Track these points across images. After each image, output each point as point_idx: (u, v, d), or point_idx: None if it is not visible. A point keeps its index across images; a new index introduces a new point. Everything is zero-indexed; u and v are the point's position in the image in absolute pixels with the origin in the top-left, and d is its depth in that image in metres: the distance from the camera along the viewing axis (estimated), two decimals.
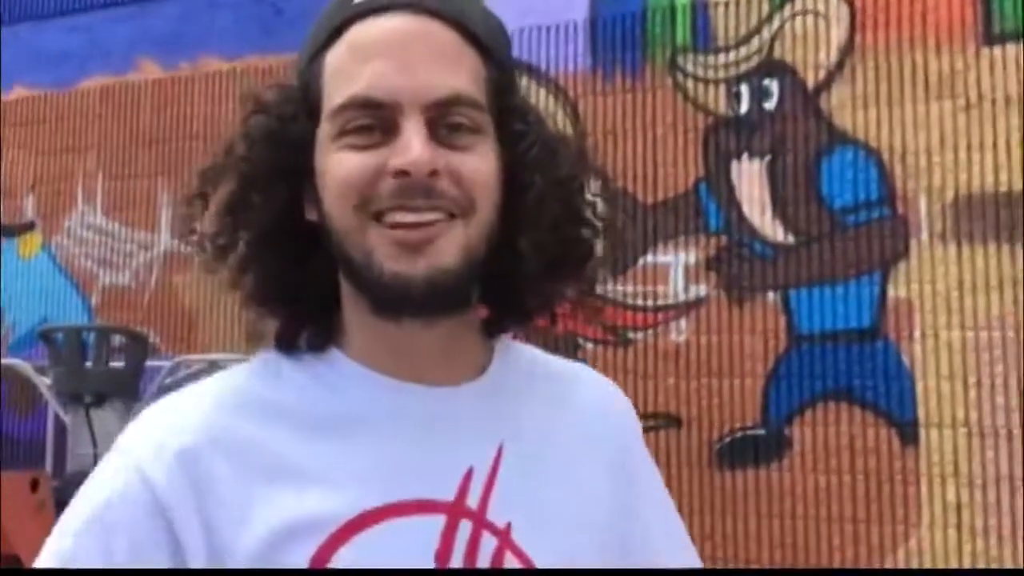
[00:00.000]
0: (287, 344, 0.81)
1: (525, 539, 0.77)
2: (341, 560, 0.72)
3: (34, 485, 3.38)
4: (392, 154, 0.75)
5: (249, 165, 0.79)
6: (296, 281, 0.80)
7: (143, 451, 0.75)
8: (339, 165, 0.76)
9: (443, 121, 0.76)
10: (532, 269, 0.80)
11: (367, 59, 0.76)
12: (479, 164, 0.77)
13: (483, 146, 0.78)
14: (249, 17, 4.79)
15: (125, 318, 4.75)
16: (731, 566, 3.63)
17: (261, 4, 4.79)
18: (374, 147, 0.76)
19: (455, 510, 0.76)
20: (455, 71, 0.77)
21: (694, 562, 0.91)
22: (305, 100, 0.79)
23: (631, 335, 3.91)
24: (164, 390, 3.84)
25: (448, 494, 0.76)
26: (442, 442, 0.78)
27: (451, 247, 0.75)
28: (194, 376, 3.76)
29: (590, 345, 3.93)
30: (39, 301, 5.11)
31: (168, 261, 4.86)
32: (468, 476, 0.77)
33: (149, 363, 4.07)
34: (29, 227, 5.26)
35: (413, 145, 0.74)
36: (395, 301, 0.76)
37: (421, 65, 0.76)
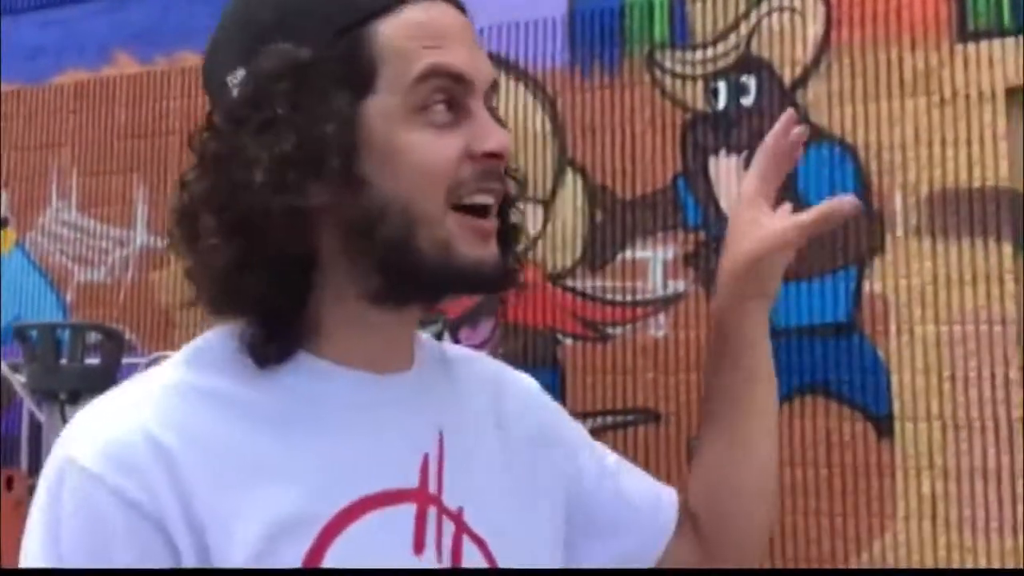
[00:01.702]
0: (262, 359, 0.74)
1: (476, 522, 0.78)
2: (333, 559, 0.70)
3: (9, 483, 3.35)
4: (475, 136, 0.74)
5: (301, 129, 0.71)
6: (278, 277, 0.74)
7: (112, 466, 0.67)
8: (429, 146, 0.73)
9: (487, 107, 0.77)
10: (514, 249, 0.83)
11: (442, 38, 0.75)
12: None
13: None
14: None
15: (100, 315, 4.71)
16: None
17: None
18: (450, 127, 0.74)
19: (421, 497, 0.76)
20: (489, 62, 0.79)
21: (642, 474, 0.96)
22: (351, 68, 0.73)
23: (610, 330, 3.92)
24: None
25: (412, 481, 0.76)
26: (400, 429, 0.77)
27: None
28: None
29: (569, 340, 3.94)
30: (13, 298, 5.06)
31: (144, 258, 4.83)
32: (425, 462, 0.77)
33: (125, 360, 4.04)
34: (2, 224, 5.20)
35: (497, 128, 0.75)
36: (470, 284, 0.77)
37: (480, 53, 0.77)
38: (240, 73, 0.74)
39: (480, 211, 0.75)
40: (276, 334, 0.75)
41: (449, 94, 0.74)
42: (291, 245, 0.73)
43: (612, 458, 0.96)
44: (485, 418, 0.86)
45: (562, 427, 0.94)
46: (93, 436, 0.69)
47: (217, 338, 0.77)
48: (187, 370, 0.75)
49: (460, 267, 0.74)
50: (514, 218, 0.83)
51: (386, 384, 0.79)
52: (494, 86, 0.78)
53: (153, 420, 0.70)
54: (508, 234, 0.81)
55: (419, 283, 0.75)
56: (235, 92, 0.74)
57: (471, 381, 0.88)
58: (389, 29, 0.74)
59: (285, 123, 0.71)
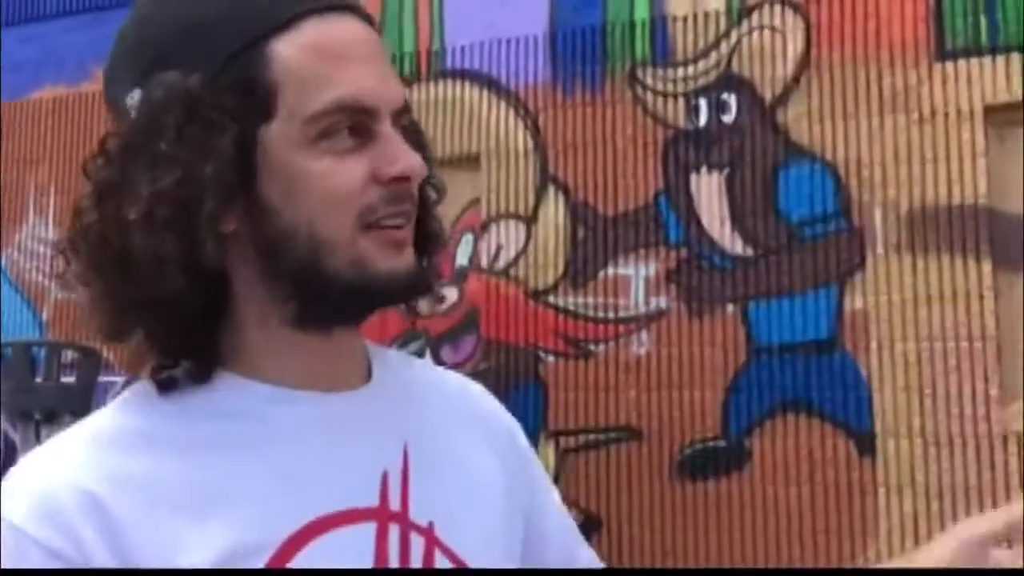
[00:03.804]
0: (166, 382, 0.75)
1: (448, 535, 0.77)
2: None
3: None
4: (383, 160, 0.73)
5: (185, 165, 0.70)
6: (184, 301, 0.72)
7: (39, 521, 0.67)
8: (331, 174, 0.72)
9: (397, 127, 0.76)
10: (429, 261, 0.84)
11: (344, 62, 0.73)
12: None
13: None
14: None
15: (77, 333, 4.66)
16: None
17: None
18: (354, 152, 0.73)
19: (382, 515, 0.75)
20: (397, 78, 0.78)
21: (578, 534, 0.95)
22: (246, 93, 0.71)
23: (592, 347, 3.90)
24: None
25: (371, 500, 0.75)
26: (354, 447, 0.76)
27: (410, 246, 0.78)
28: None
29: (551, 358, 3.93)
30: None
31: None
32: (385, 479, 0.76)
33: (102, 379, 3.99)
34: None
35: (406, 150, 0.74)
36: (384, 296, 0.76)
37: (387, 71, 0.76)
38: (136, 94, 0.73)
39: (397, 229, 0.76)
40: (190, 358, 0.75)
41: (354, 121, 0.73)
42: (168, 286, 0.71)
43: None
44: (458, 428, 0.86)
45: (534, 463, 0.94)
46: (22, 491, 0.69)
47: (139, 387, 0.77)
48: (120, 414, 0.75)
49: (373, 282, 0.74)
50: (432, 227, 0.83)
51: (336, 402, 0.77)
52: (406, 107, 0.77)
53: (82, 470, 0.70)
54: (426, 242, 0.82)
55: (334, 305, 0.75)
56: (132, 114, 0.73)
57: (441, 390, 0.88)
58: (287, 50, 0.72)
59: (170, 159, 0.70)
